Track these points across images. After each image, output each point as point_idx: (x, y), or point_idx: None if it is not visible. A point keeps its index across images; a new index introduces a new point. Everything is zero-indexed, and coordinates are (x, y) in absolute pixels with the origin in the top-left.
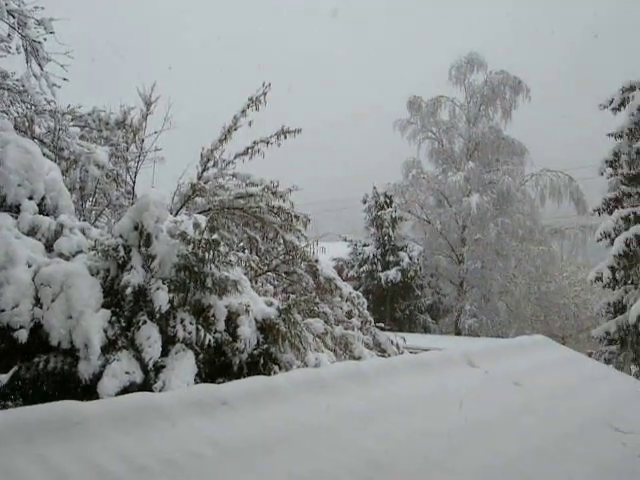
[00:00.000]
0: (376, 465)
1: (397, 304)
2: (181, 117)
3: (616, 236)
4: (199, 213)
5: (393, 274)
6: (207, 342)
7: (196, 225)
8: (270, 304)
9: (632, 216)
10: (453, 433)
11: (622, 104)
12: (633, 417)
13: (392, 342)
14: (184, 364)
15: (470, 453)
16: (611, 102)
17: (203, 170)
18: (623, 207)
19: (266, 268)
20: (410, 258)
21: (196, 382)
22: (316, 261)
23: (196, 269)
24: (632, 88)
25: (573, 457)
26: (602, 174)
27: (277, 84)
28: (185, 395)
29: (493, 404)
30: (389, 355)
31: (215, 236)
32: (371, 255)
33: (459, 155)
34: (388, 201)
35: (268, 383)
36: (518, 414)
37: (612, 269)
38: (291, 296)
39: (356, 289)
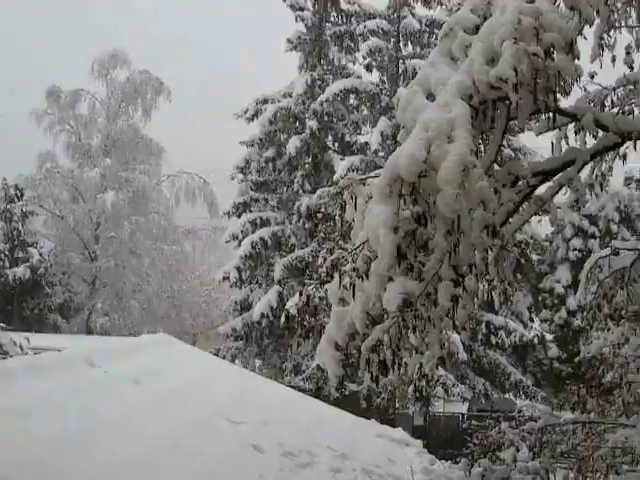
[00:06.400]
0: None
1: (26, 303)
2: None
3: (244, 238)
4: None
5: (22, 271)
6: None
7: None
8: None
9: (259, 220)
10: (70, 434)
11: (256, 115)
12: (247, 409)
13: (15, 343)
14: None
15: (87, 453)
16: (246, 112)
17: None
18: (251, 211)
19: None
20: (40, 255)
21: None
22: None
23: None
24: (265, 101)
25: (189, 451)
26: (233, 179)
27: None
28: None
29: (111, 404)
30: (12, 357)
31: None
32: None
33: (96, 151)
34: (19, 194)
35: None
36: (136, 412)
37: (239, 269)
38: None
39: None
